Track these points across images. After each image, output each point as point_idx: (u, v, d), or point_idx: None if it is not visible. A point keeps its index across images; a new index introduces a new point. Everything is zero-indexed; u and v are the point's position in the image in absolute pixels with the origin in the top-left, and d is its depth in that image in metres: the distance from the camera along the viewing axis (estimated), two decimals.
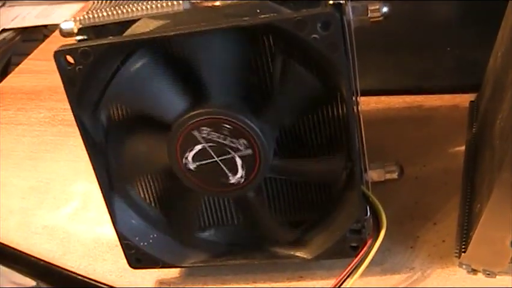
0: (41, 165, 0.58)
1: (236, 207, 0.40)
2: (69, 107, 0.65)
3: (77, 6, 1.04)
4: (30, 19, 1.06)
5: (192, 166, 0.36)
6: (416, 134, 0.50)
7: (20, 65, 0.78)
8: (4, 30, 1.04)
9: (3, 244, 0.50)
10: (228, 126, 0.34)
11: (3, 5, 1.11)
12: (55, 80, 0.71)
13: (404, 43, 0.56)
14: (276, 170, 0.37)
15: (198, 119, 0.34)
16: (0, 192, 0.56)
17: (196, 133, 0.35)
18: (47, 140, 0.62)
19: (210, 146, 0.35)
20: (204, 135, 0.35)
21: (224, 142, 0.35)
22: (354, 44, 0.35)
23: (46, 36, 1.04)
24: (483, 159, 0.40)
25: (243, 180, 0.36)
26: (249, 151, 0.35)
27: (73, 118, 0.63)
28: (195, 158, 0.36)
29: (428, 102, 0.53)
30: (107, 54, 0.34)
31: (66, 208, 0.52)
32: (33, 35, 1.06)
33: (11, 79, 0.75)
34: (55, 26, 0.98)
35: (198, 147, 0.35)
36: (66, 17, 1.00)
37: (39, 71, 0.75)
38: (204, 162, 0.36)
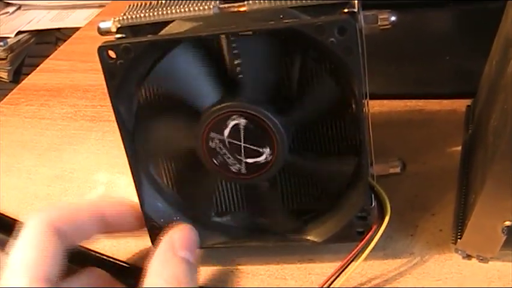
0: (65, 156, 0.60)
1: (252, 195, 0.43)
2: (90, 104, 0.69)
3: (91, 11, 1.07)
4: (45, 22, 1.09)
5: (215, 152, 0.40)
6: (417, 135, 0.53)
7: (42, 65, 0.80)
8: (20, 32, 1.07)
9: None
10: (252, 119, 0.38)
11: (19, 8, 1.15)
12: (76, 78, 0.76)
13: (405, 52, 0.58)
14: (290, 162, 0.40)
15: (226, 111, 0.38)
16: (25, 179, 0.58)
17: (222, 123, 0.38)
18: (70, 134, 0.64)
19: (234, 137, 0.39)
20: (229, 126, 0.38)
21: (247, 134, 0.38)
22: (365, 50, 0.38)
23: (59, 39, 1.08)
24: (477, 156, 0.42)
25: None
26: (269, 143, 0.39)
27: (94, 114, 0.67)
28: (219, 146, 0.39)
29: (428, 107, 0.56)
30: (146, 51, 0.37)
31: (90, 195, 0.54)
32: (46, 38, 1.10)
33: (33, 77, 0.77)
34: (69, 30, 1.01)
35: (223, 136, 0.39)
36: (80, 21, 1.04)
37: (61, 70, 0.77)
38: (226, 150, 0.39)
